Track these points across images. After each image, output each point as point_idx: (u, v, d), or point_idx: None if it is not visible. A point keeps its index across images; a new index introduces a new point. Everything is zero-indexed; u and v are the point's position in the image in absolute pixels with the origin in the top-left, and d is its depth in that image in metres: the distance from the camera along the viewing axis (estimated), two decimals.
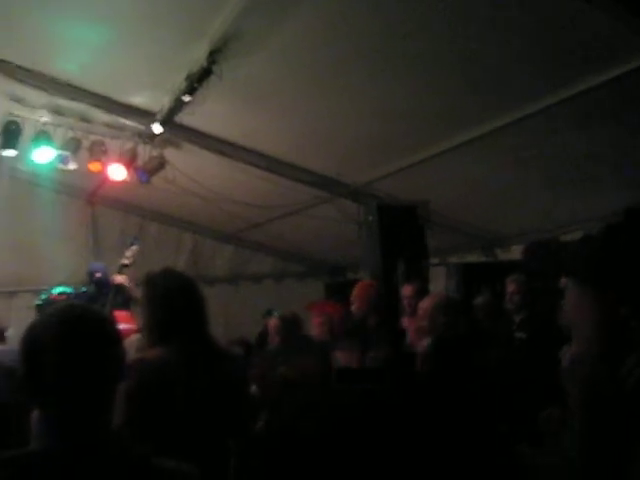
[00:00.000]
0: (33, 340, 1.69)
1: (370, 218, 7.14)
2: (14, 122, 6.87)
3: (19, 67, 6.19)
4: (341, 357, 4.11)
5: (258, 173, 7.26)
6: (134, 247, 6.99)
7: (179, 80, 5.63)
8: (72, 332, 1.67)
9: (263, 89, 5.86)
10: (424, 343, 3.83)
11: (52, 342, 1.65)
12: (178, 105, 6.04)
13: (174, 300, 2.95)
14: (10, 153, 7.14)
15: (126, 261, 6.90)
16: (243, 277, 10.67)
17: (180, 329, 2.91)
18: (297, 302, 7.29)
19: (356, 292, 5.45)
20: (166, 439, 2.25)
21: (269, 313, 8.29)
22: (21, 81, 6.31)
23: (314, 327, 5.46)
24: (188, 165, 7.38)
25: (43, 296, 7.97)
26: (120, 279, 6.80)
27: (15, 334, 7.46)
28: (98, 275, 7.36)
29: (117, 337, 1.78)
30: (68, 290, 8.04)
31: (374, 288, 5.62)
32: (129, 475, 1.64)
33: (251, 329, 7.93)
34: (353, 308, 5.40)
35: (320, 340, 5.11)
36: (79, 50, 5.76)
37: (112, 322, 1.82)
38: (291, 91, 5.83)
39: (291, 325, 5.70)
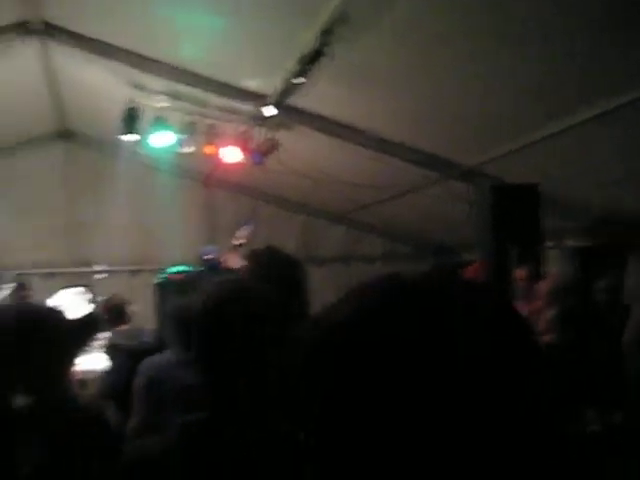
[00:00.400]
0: (219, 316, 1.79)
1: (482, 199, 7.00)
2: (134, 108, 7.16)
3: (139, 55, 6.44)
4: None
5: (368, 154, 7.25)
6: (247, 228, 7.16)
7: (291, 63, 5.69)
8: (253, 310, 1.76)
9: (374, 69, 5.83)
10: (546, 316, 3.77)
11: (238, 319, 1.75)
12: (290, 88, 6.11)
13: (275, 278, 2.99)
14: (131, 138, 7.48)
15: (239, 242, 7.07)
16: (354, 258, 10.71)
17: None
18: None
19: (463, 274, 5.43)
20: None
21: None
22: (141, 69, 6.57)
23: None
24: (300, 147, 7.47)
25: (162, 275, 8.29)
26: (231, 259, 6.97)
27: (138, 311, 7.86)
28: (209, 257, 7.57)
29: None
30: (184, 269, 8.33)
31: (482, 270, 5.55)
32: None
33: None
34: None
35: None
36: (195, 37, 5.94)
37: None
38: (403, 71, 5.78)
39: None
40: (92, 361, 5.76)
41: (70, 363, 2.49)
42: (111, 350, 5.37)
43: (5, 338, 2.25)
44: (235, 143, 7.50)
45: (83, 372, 5.08)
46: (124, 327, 5.97)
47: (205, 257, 7.57)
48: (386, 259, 10.76)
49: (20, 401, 2.23)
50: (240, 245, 7.03)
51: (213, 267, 7.28)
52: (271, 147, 7.44)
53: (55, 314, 2.52)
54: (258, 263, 3.11)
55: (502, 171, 7.15)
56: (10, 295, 8.08)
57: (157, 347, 5.13)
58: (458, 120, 6.34)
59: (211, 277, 7.32)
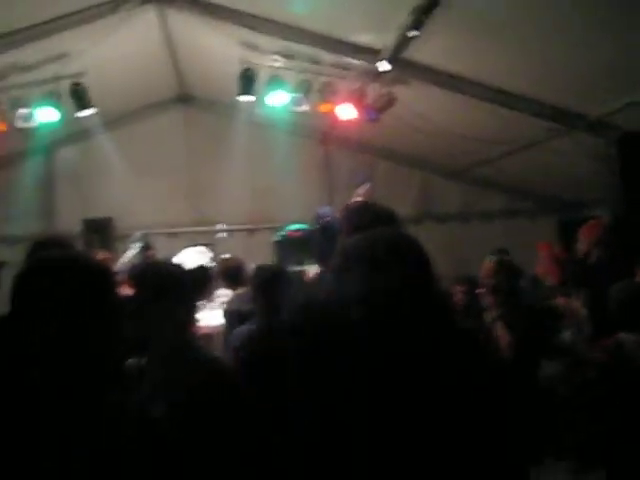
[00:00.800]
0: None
1: (611, 151, 6.62)
2: (249, 69, 7.22)
3: (252, 15, 6.45)
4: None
5: (488, 107, 6.99)
6: (366, 185, 7.10)
7: (405, 15, 5.53)
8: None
9: (493, 20, 5.57)
10: None
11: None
12: (404, 41, 5.96)
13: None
14: (248, 99, 7.56)
15: (358, 199, 7.03)
16: (473, 215, 10.45)
17: None
18: (528, 241, 7.02)
19: (582, 230, 5.23)
20: None
21: (499, 252, 8.07)
22: (254, 29, 6.59)
23: (541, 267, 5.30)
24: (416, 101, 7.30)
25: (280, 233, 8.40)
26: None
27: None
28: (326, 219, 7.57)
29: None
30: (303, 227, 8.41)
31: (601, 226, 5.30)
32: None
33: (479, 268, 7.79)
34: (577, 245, 5.20)
35: None
36: None
37: None
38: (523, 20, 5.49)
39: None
40: (215, 317, 5.89)
41: (193, 315, 2.65)
42: (227, 315, 5.47)
43: (143, 293, 2.53)
44: (350, 100, 7.43)
45: (207, 327, 5.22)
46: (241, 290, 6.02)
47: (320, 218, 7.58)
48: (505, 216, 10.43)
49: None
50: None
51: (328, 228, 7.27)
52: (387, 103, 7.31)
53: (179, 270, 2.77)
54: (349, 218, 3.04)
55: (634, 122, 6.72)
56: (137, 254, 8.43)
57: None
58: (584, 69, 5.98)
59: (326, 238, 7.35)
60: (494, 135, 7.59)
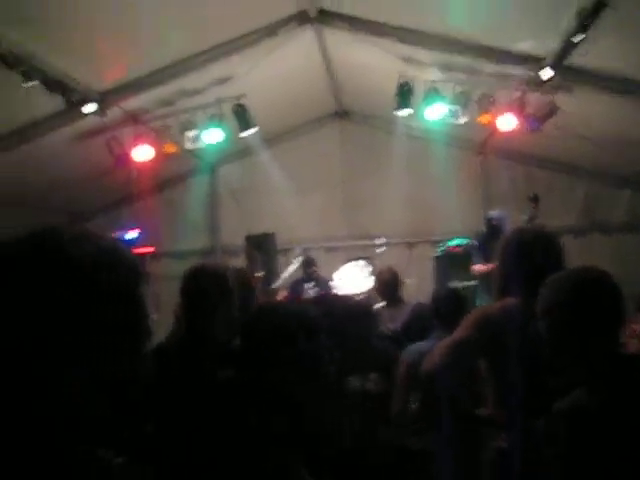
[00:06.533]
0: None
1: None
2: (407, 82, 7.23)
3: (408, 30, 6.45)
4: None
5: None
6: (536, 203, 7.03)
7: (568, 19, 5.32)
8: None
9: None
10: None
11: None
12: (568, 46, 5.73)
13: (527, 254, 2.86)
14: (405, 112, 7.57)
15: (528, 217, 6.97)
16: None
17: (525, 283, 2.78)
18: None
19: None
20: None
21: None
22: (410, 43, 6.59)
23: None
24: (579, 108, 7.00)
25: (441, 248, 8.36)
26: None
27: (413, 283, 7.97)
28: (495, 222, 7.49)
29: None
30: (463, 242, 8.31)
31: None
32: None
33: None
34: None
35: None
36: (462, 4, 5.79)
37: None
38: None
39: None
40: None
41: None
42: None
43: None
44: (510, 110, 7.25)
45: None
46: (384, 307, 6.00)
47: (491, 221, 7.52)
48: None
49: None
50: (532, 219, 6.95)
51: (496, 231, 7.12)
52: (549, 111, 7.06)
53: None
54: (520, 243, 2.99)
55: None
56: (298, 269, 8.65)
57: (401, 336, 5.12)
58: None
59: (493, 240, 7.22)
60: None
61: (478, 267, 7.44)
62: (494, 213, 7.75)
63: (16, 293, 0.85)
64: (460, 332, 2.82)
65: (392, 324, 5.39)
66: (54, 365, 0.86)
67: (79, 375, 0.88)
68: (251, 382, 1.83)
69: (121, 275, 0.93)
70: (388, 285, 6.09)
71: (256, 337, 1.90)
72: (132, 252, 1.03)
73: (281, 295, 7.98)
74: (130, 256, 1.00)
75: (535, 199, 7.21)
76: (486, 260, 6.99)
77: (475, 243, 7.95)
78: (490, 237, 7.24)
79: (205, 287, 2.99)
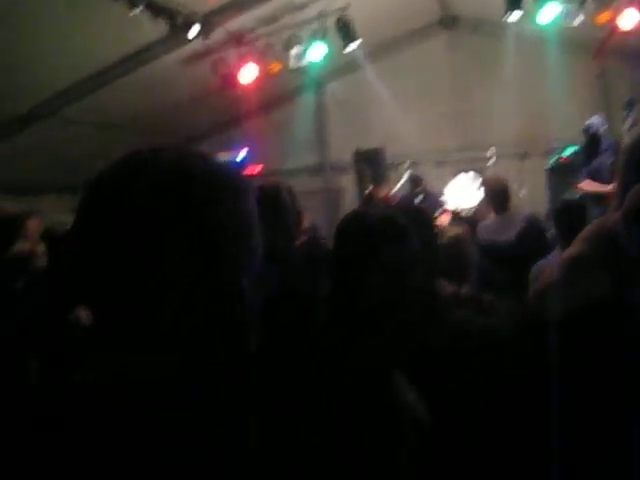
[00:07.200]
0: None
1: None
2: None
3: None
4: None
5: None
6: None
7: None
8: None
9: None
10: None
11: None
12: None
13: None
14: (516, 15, 7.21)
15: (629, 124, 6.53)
16: None
17: None
18: None
19: None
20: None
21: None
22: None
23: None
24: None
25: (554, 158, 7.99)
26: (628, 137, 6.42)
27: (526, 196, 7.74)
28: (592, 130, 7.01)
29: None
30: (578, 150, 7.89)
31: None
32: None
33: None
34: None
35: None
36: None
37: None
38: None
39: None
40: None
41: None
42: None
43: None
44: (632, 4, 6.75)
45: None
46: (492, 218, 5.63)
47: (589, 130, 7.03)
48: None
49: None
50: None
51: (595, 141, 6.72)
52: None
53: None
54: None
55: None
56: (405, 184, 8.57)
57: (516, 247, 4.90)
58: None
59: (592, 152, 6.81)
60: None
61: (585, 185, 6.75)
62: (592, 121, 7.14)
63: (134, 207, 0.87)
64: (575, 247, 2.69)
65: (504, 235, 5.18)
66: (171, 274, 0.88)
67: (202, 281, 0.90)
68: (341, 289, 1.86)
69: (230, 191, 0.94)
70: (498, 193, 5.69)
71: (347, 242, 1.92)
72: (241, 172, 1.04)
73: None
74: (239, 174, 1.01)
75: (631, 103, 6.67)
76: (590, 176, 6.55)
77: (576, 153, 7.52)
78: (589, 149, 6.83)
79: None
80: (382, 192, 7.87)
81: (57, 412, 0.83)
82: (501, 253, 4.88)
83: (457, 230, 3.53)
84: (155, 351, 0.87)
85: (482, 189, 7.07)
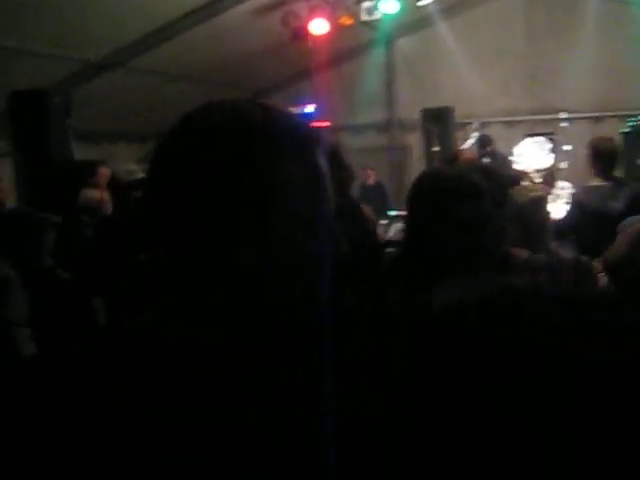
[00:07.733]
0: None
1: None
2: None
3: None
4: None
5: None
6: None
7: None
8: None
9: None
10: None
11: None
12: None
13: None
14: None
15: None
16: None
17: None
18: None
19: None
20: None
21: None
22: None
23: None
24: None
25: (631, 122, 7.71)
26: None
27: None
28: None
29: None
30: None
31: None
32: None
33: None
34: None
35: None
36: None
37: None
38: None
39: None
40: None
41: None
42: (574, 206, 5.03)
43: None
44: None
45: None
46: (597, 181, 5.40)
47: None
48: None
49: None
50: None
51: None
52: None
53: None
54: None
55: None
56: (474, 144, 8.42)
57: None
58: None
59: None
60: None
61: None
62: None
63: (209, 159, 0.90)
64: None
65: (615, 202, 4.84)
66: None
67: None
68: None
69: (301, 140, 0.96)
70: (609, 156, 5.20)
71: (421, 200, 1.92)
72: (310, 124, 1.05)
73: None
74: (309, 127, 1.02)
75: None
76: None
77: None
78: None
79: None
80: (468, 154, 7.73)
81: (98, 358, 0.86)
82: (613, 221, 4.64)
83: (538, 192, 3.45)
84: (234, 289, 0.90)
85: (552, 155, 6.90)
